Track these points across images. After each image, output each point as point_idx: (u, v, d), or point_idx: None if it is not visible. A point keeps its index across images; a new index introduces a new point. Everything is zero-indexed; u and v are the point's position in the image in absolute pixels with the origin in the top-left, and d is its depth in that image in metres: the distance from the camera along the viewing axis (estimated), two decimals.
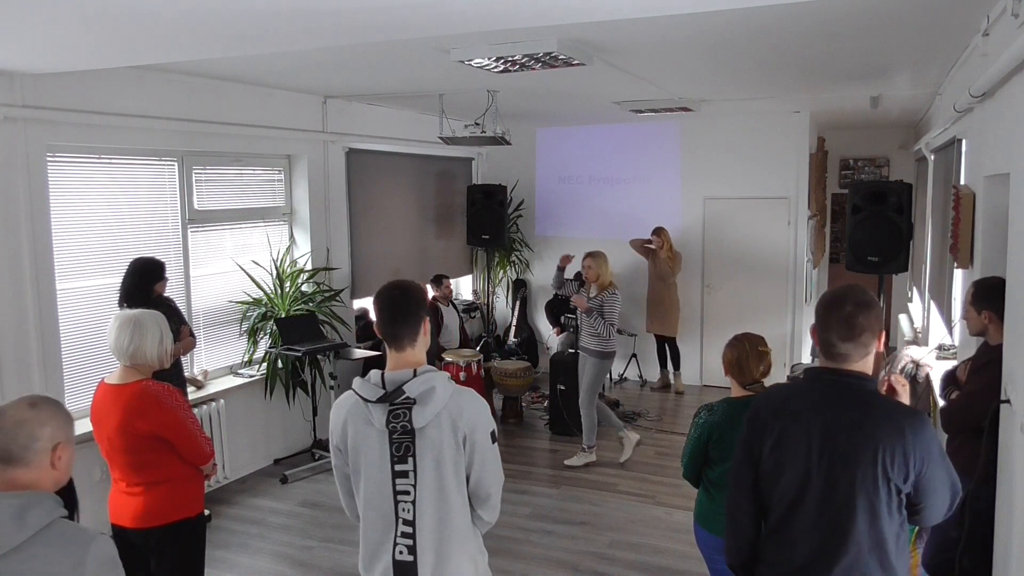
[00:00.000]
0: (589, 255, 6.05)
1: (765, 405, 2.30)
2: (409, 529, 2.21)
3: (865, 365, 2.16)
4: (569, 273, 6.50)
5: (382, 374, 2.25)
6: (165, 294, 4.85)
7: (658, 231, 8.06)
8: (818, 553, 2.13)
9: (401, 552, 2.22)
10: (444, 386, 2.22)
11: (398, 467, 2.21)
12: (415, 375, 2.22)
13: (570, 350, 6.21)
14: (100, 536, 1.89)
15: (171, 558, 3.09)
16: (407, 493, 2.21)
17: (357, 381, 2.27)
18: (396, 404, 2.19)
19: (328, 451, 6.12)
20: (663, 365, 8.44)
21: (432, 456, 2.20)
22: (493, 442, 2.30)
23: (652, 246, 8.06)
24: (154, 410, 2.94)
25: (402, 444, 2.20)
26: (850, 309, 2.11)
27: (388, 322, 2.29)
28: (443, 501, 2.22)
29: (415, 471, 2.20)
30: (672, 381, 8.36)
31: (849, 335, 2.11)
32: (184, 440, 3.01)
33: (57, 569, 1.77)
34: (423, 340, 2.32)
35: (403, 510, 2.22)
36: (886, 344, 2.24)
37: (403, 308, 2.28)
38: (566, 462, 6.19)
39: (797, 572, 2.18)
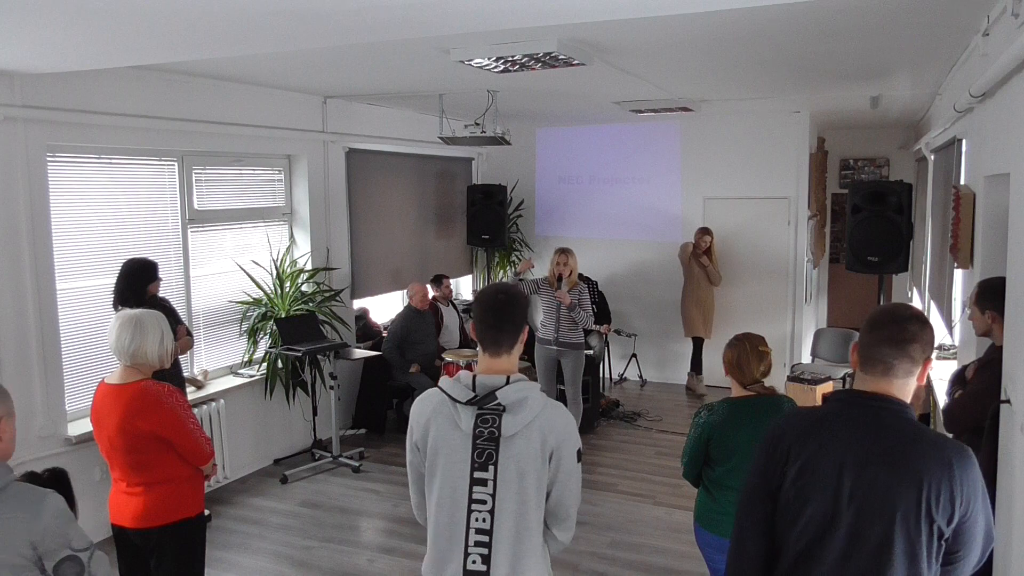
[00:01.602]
0: (565, 252, 6.13)
1: (789, 429, 2.02)
2: (485, 539, 2.13)
3: (905, 391, 1.93)
4: (537, 275, 6.52)
5: (474, 376, 2.18)
6: (160, 294, 4.84)
7: (707, 231, 7.92)
8: None
9: (474, 562, 2.13)
10: (537, 397, 2.16)
11: (477, 474, 2.13)
12: (508, 382, 2.16)
13: (548, 346, 6.24)
14: (52, 493, 2.10)
15: (171, 558, 3.08)
16: (483, 502, 2.13)
17: (446, 380, 2.21)
18: (486, 409, 2.12)
19: (328, 452, 6.18)
20: (700, 370, 8.25)
21: (516, 467, 2.12)
22: (579, 460, 2.22)
23: (705, 245, 7.88)
24: (154, 410, 2.93)
25: (485, 451, 2.12)
26: (906, 316, 1.95)
27: (491, 327, 2.22)
28: (522, 515, 2.14)
29: (495, 480, 2.12)
30: (697, 383, 8.35)
31: (900, 337, 1.90)
32: (184, 440, 3.01)
33: (14, 525, 1.98)
34: (519, 348, 2.26)
35: (476, 519, 2.14)
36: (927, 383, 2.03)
37: (508, 314, 2.22)
38: None
39: None
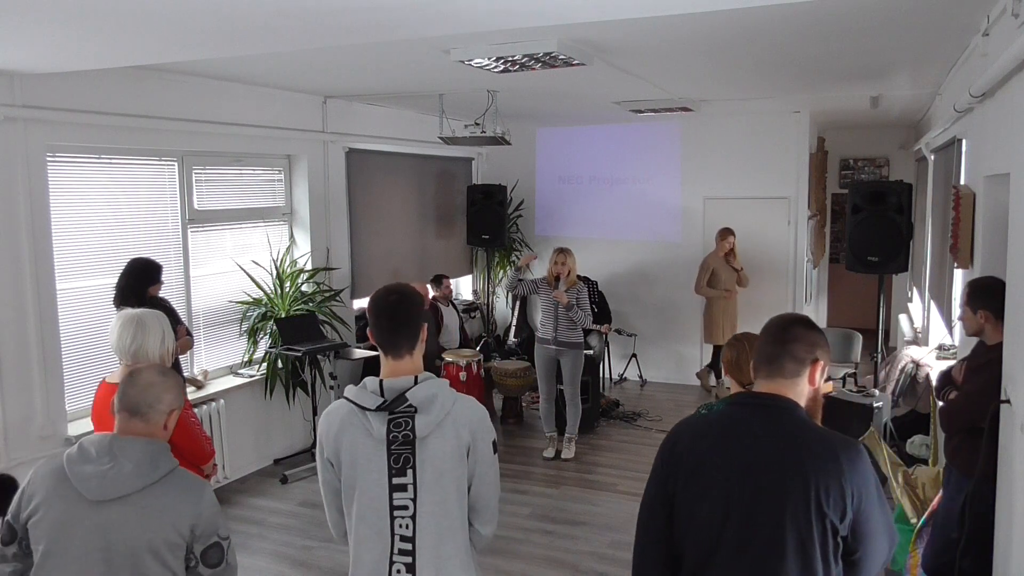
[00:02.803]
0: (563, 252, 6.13)
1: (681, 434, 2.02)
2: (408, 546, 2.08)
3: (795, 392, 1.94)
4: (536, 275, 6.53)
5: (380, 381, 2.12)
6: (160, 295, 4.84)
7: (730, 232, 7.73)
8: None
9: (399, 571, 2.08)
10: (446, 393, 2.12)
11: (396, 480, 2.08)
12: (416, 382, 2.11)
13: (548, 345, 6.24)
14: (207, 483, 2.28)
15: None
16: (405, 508, 2.08)
17: (351, 389, 2.15)
18: (397, 412, 2.08)
19: None
20: (720, 374, 8.19)
21: (434, 467, 2.08)
22: (494, 452, 2.19)
23: (729, 247, 7.71)
24: None
25: (401, 455, 2.07)
26: (789, 320, 2.02)
27: (386, 330, 2.17)
28: (444, 516, 2.11)
29: (415, 484, 2.08)
30: (715, 385, 8.30)
31: (783, 337, 1.95)
32: (185, 440, 3.01)
33: (181, 507, 2.13)
34: (421, 347, 2.21)
35: (400, 526, 2.09)
36: (823, 394, 2.03)
37: (402, 315, 2.17)
38: (563, 456, 6.31)
39: None
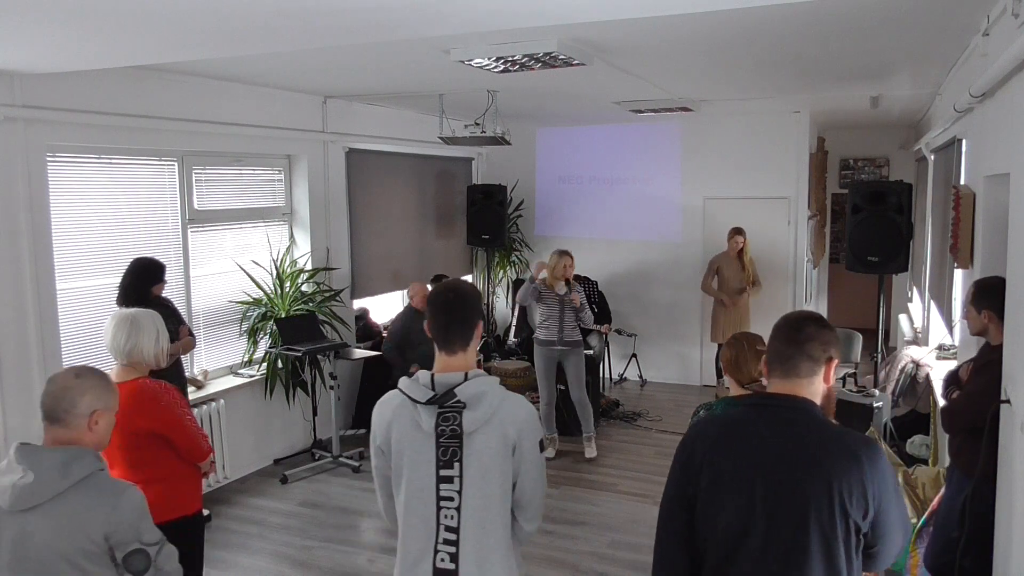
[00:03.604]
0: (567, 254, 6.17)
1: (701, 436, 2.03)
2: (452, 536, 2.15)
3: (812, 391, 1.96)
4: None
5: (432, 376, 2.19)
6: (163, 295, 4.84)
7: (739, 232, 7.69)
8: None
9: (443, 560, 2.15)
10: (495, 391, 2.18)
11: (443, 472, 2.15)
12: (466, 378, 2.17)
13: (552, 346, 6.25)
14: (132, 487, 2.22)
15: None
16: (451, 499, 2.15)
17: (404, 381, 2.22)
18: (446, 407, 2.14)
19: (328, 452, 6.18)
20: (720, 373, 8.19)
21: (480, 463, 2.14)
22: (541, 450, 2.25)
23: (738, 246, 7.67)
24: (152, 407, 2.96)
25: (449, 448, 2.14)
26: (801, 318, 2.02)
27: (442, 326, 2.23)
28: (488, 510, 2.17)
29: (461, 477, 2.14)
30: (715, 385, 8.27)
31: (797, 337, 1.95)
32: (182, 437, 3.03)
33: (95, 514, 2.10)
34: (475, 344, 2.27)
35: (446, 516, 2.16)
36: (831, 388, 2.05)
37: (459, 311, 2.24)
38: (587, 455, 6.32)
39: None
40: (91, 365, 2.40)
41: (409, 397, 2.18)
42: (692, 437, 2.05)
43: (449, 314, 2.24)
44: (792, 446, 1.89)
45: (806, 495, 1.83)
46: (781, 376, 1.98)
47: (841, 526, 1.82)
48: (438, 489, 2.16)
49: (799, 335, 1.96)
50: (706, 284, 7.88)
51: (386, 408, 2.24)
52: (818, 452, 1.86)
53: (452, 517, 2.15)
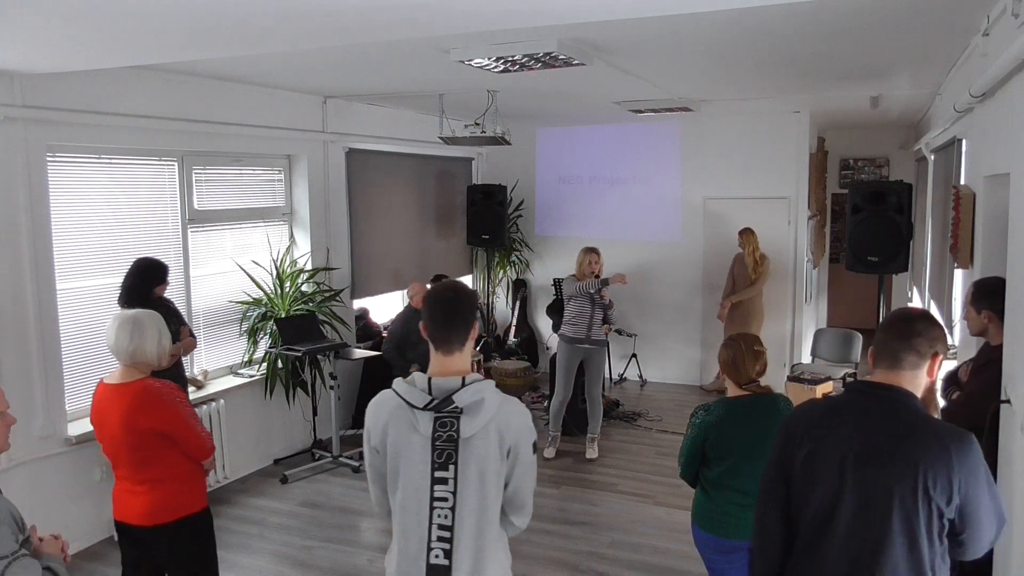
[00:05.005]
0: (596, 251, 6.20)
1: (801, 417, 2.19)
2: (447, 534, 2.18)
3: (914, 384, 2.07)
4: (562, 274, 6.55)
5: (429, 379, 2.19)
6: (164, 295, 4.84)
7: (743, 232, 7.72)
8: (848, 574, 2.02)
9: (437, 556, 2.18)
10: (493, 397, 2.19)
11: (438, 474, 2.17)
12: (463, 384, 2.17)
13: (579, 344, 6.24)
14: None
15: (185, 554, 3.15)
16: (445, 500, 2.17)
17: (401, 384, 2.21)
18: (444, 413, 2.14)
19: (328, 452, 6.18)
20: None
21: (476, 466, 2.16)
22: (534, 452, 2.29)
23: (741, 247, 7.73)
24: (156, 406, 2.98)
25: (444, 451, 2.16)
26: (913, 315, 2.14)
27: (440, 325, 2.23)
28: (483, 511, 2.20)
29: (455, 479, 2.17)
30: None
31: (906, 332, 2.07)
32: (186, 435, 3.06)
33: None
34: (471, 344, 2.27)
35: (439, 515, 2.18)
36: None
37: (456, 311, 2.23)
38: (588, 456, 6.32)
39: None
40: None
41: (406, 402, 2.18)
42: (795, 415, 2.22)
43: (449, 313, 2.23)
44: (885, 431, 2.00)
45: (892, 478, 1.95)
46: (887, 367, 2.08)
47: (924, 510, 1.93)
48: (432, 490, 2.17)
49: (909, 331, 2.07)
50: (726, 286, 7.88)
51: (381, 410, 2.23)
52: (909, 439, 1.97)
53: (446, 516, 2.18)
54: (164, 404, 3.00)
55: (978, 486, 1.94)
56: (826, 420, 2.11)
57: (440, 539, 2.18)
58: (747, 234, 7.70)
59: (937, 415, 2.17)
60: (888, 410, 2.04)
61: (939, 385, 4.06)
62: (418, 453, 2.17)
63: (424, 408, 2.15)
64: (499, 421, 2.18)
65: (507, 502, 2.29)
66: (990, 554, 3.13)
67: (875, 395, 2.08)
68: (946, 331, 2.15)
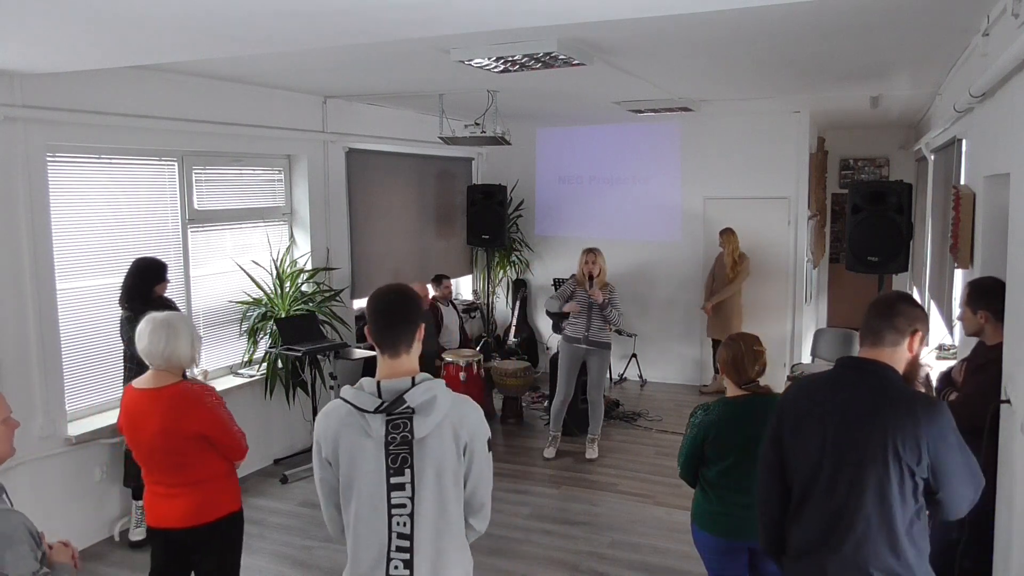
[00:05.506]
0: (593, 251, 6.17)
1: (791, 394, 2.44)
2: (406, 543, 2.12)
3: (895, 359, 2.25)
4: (562, 274, 6.52)
5: (377, 383, 2.13)
6: (165, 295, 4.84)
7: (723, 232, 7.79)
8: (830, 530, 2.22)
9: (396, 567, 2.11)
10: (444, 394, 2.15)
11: (394, 479, 2.10)
12: (413, 384, 2.13)
13: (578, 344, 6.23)
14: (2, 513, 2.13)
15: (216, 553, 3.13)
16: (403, 506, 2.11)
17: (348, 390, 2.16)
18: (395, 414, 2.10)
19: None
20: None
21: (433, 467, 2.12)
22: (489, 450, 2.25)
23: (721, 247, 7.80)
24: (198, 410, 2.98)
25: (399, 456, 2.10)
26: (894, 296, 2.36)
27: (384, 328, 2.18)
28: (442, 514, 2.15)
29: (412, 483, 2.11)
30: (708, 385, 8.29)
31: (886, 311, 2.26)
32: (226, 437, 3.06)
33: None
34: (417, 346, 2.23)
35: (398, 524, 2.12)
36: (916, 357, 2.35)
37: (400, 314, 2.19)
38: (588, 456, 6.32)
39: (812, 549, 2.27)
40: None
41: (355, 407, 2.12)
42: (788, 391, 2.50)
43: (391, 316, 2.19)
44: (861, 398, 2.21)
45: (865, 439, 2.16)
46: (870, 344, 2.29)
47: (895, 470, 2.12)
48: (389, 498, 2.11)
49: (890, 310, 2.28)
50: (705, 286, 7.92)
51: (331, 419, 2.17)
52: (881, 405, 2.17)
53: (404, 524, 2.12)
54: (206, 407, 2.99)
55: (947, 447, 2.11)
56: (810, 393, 2.36)
57: (399, 549, 2.12)
58: (727, 234, 7.78)
59: (922, 389, 2.40)
60: (868, 381, 2.24)
61: (935, 386, 4.06)
62: (372, 460, 2.11)
63: (375, 411, 2.10)
64: (453, 419, 2.14)
65: (466, 504, 2.23)
66: (990, 555, 3.13)
67: (858, 368, 2.29)
68: (926, 313, 2.34)
